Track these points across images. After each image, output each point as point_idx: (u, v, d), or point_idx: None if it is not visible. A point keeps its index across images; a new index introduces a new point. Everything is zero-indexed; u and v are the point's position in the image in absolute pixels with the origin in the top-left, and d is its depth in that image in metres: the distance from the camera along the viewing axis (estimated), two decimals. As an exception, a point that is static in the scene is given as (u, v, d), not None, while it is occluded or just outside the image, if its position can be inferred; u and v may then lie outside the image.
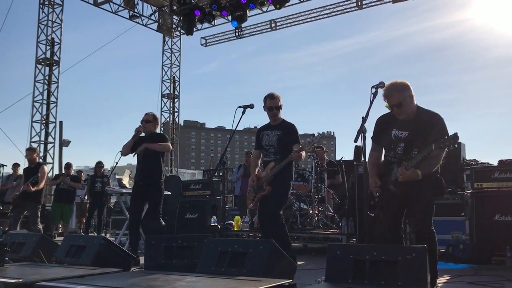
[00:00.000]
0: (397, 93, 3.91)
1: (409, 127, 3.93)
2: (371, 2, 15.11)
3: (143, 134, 6.61)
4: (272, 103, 5.28)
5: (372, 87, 4.35)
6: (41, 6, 14.92)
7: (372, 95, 4.34)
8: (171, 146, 6.55)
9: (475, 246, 6.03)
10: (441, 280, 4.85)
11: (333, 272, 3.41)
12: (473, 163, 7.21)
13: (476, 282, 4.62)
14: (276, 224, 5.12)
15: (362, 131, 4.40)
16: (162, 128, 19.03)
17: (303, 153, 5.02)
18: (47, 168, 8.44)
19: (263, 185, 5.15)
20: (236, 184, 10.82)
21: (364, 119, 4.33)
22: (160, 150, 6.45)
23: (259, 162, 5.50)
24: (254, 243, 4.12)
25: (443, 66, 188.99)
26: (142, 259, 4.70)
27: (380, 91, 4.13)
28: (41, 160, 8.56)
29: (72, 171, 11.94)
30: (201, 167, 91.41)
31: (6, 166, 10.70)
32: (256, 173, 5.40)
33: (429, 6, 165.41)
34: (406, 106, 3.91)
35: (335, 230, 7.49)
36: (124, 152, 6.47)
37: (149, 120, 6.49)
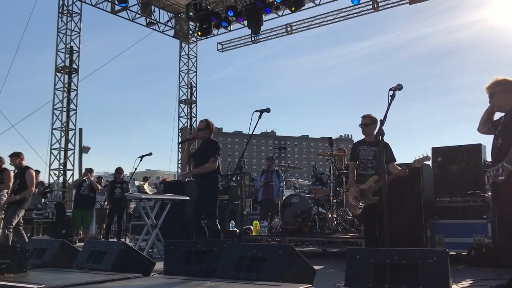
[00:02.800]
0: (492, 86, 4.25)
1: (502, 123, 4.21)
2: (387, 4, 14.99)
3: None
4: (361, 121, 5.91)
5: (390, 89, 4.32)
6: (60, 15, 15.17)
7: (390, 97, 4.31)
8: (214, 165, 6.20)
9: (498, 249, 5.92)
10: (464, 284, 4.78)
11: (353, 276, 3.38)
12: (495, 164, 7.08)
13: (499, 286, 4.52)
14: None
15: (380, 133, 4.37)
16: (179, 134, 19.17)
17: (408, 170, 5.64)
18: (33, 171, 8.23)
19: (370, 195, 5.67)
20: (259, 191, 10.88)
21: (382, 122, 4.30)
22: (202, 172, 6.28)
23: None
24: (273, 247, 4.11)
25: (462, 67, 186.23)
26: (160, 264, 4.72)
27: (399, 93, 4.11)
28: (28, 164, 8.27)
29: (93, 177, 12.09)
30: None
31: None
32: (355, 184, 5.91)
33: (445, 6, 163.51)
34: (497, 99, 4.21)
35: (354, 234, 7.44)
36: (185, 161, 6.82)
37: (201, 127, 6.44)
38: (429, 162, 6.55)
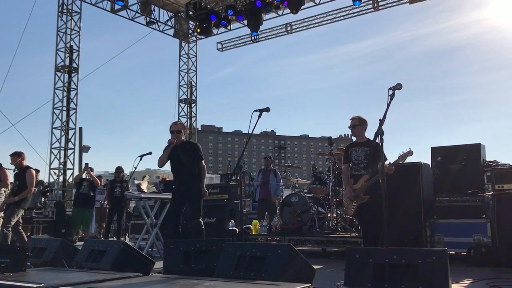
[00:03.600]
0: None
1: None
2: (387, 4, 14.98)
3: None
4: (350, 123, 5.94)
5: (389, 89, 4.32)
6: (59, 14, 15.14)
7: (389, 96, 4.31)
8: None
9: (497, 249, 5.93)
10: (463, 283, 4.78)
11: (352, 275, 3.38)
12: (494, 164, 7.10)
13: (498, 285, 4.54)
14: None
15: (379, 133, 4.37)
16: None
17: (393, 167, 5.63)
18: (34, 171, 8.18)
19: (361, 194, 5.70)
20: (257, 190, 10.92)
21: (382, 121, 4.30)
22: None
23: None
24: (273, 247, 4.12)
25: (462, 67, 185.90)
26: (160, 263, 4.72)
27: (398, 93, 4.11)
28: (28, 164, 8.23)
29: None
30: (218, 171, 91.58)
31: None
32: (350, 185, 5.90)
33: (445, 6, 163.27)
34: None
35: (354, 234, 7.44)
36: (161, 165, 6.65)
37: (180, 130, 6.69)
38: (417, 159, 6.64)
